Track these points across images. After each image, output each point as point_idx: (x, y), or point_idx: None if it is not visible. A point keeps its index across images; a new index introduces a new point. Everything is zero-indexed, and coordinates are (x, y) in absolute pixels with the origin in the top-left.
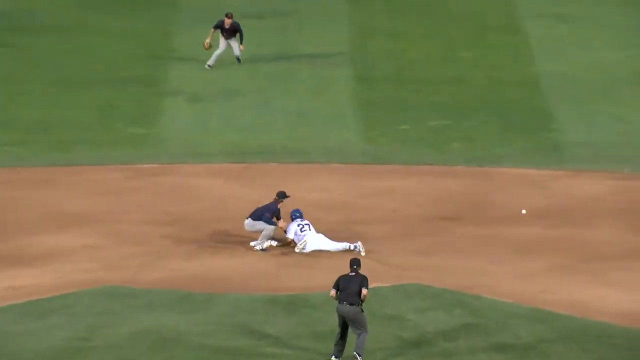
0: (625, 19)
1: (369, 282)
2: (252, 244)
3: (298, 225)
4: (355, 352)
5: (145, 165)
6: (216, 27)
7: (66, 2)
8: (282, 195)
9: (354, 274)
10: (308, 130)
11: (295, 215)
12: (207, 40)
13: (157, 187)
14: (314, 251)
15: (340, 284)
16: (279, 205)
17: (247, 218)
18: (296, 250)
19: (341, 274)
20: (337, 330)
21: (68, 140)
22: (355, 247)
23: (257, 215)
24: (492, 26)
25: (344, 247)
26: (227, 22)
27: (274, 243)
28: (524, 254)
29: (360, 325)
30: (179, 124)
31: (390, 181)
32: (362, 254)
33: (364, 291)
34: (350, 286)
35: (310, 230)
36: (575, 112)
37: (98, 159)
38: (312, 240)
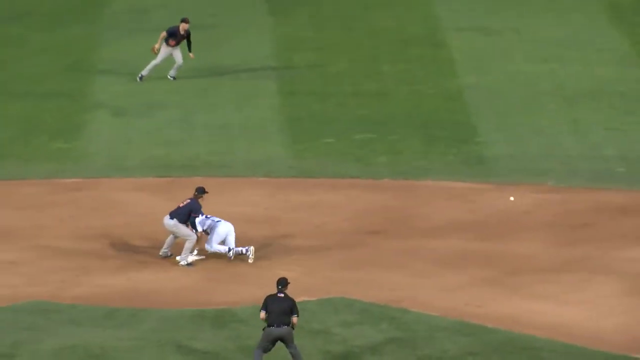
0: (546, 31)
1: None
2: (177, 258)
3: (206, 217)
4: None
5: (68, 180)
6: (169, 32)
7: None
8: (201, 191)
9: (282, 295)
10: (232, 144)
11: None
12: (157, 46)
13: (81, 201)
14: (237, 264)
15: (269, 306)
16: (200, 202)
17: (167, 215)
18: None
19: (268, 294)
20: (259, 351)
21: None
22: (247, 250)
23: (181, 216)
24: (414, 40)
25: (239, 250)
26: (184, 28)
27: (199, 257)
28: (449, 267)
29: (292, 342)
30: (102, 138)
31: (315, 195)
32: (250, 260)
33: (294, 319)
34: (280, 308)
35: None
36: (499, 125)
37: (20, 173)
38: (224, 227)
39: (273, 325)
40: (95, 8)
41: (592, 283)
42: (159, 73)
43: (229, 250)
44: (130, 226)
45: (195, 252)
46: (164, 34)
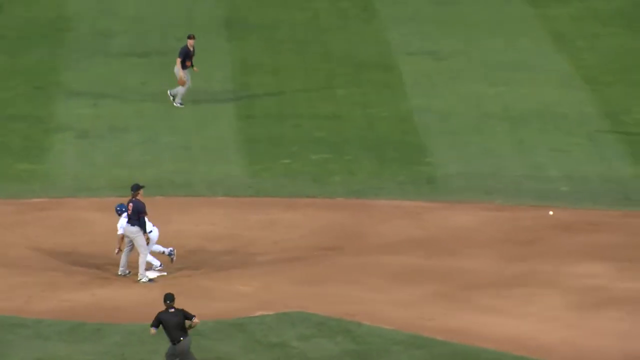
0: (494, 55)
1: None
2: (139, 278)
3: (125, 219)
4: None
5: (34, 200)
6: (182, 54)
7: None
8: (136, 188)
9: (172, 310)
10: (193, 165)
11: (122, 210)
12: (181, 74)
13: (46, 220)
14: (199, 279)
15: (163, 322)
16: (140, 198)
17: (125, 223)
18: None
19: (160, 311)
20: None
21: None
22: (170, 252)
23: (133, 220)
24: (366, 64)
25: (162, 250)
26: (191, 44)
27: (161, 274)
28: (402, 282)
29: (189, 354)
30: (67, 160)
31: (273, 214)
32: (172, 261)
33: (195, 320)
34: (174, 322)
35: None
36: (448, 146)
37: None
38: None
39: (174, 342)
40: (59, 32)
41: (538, 297)
42: (120, 96)
43: (170, 252)
44: (95, 244)
45: (159, 266)
46: (179, 60)
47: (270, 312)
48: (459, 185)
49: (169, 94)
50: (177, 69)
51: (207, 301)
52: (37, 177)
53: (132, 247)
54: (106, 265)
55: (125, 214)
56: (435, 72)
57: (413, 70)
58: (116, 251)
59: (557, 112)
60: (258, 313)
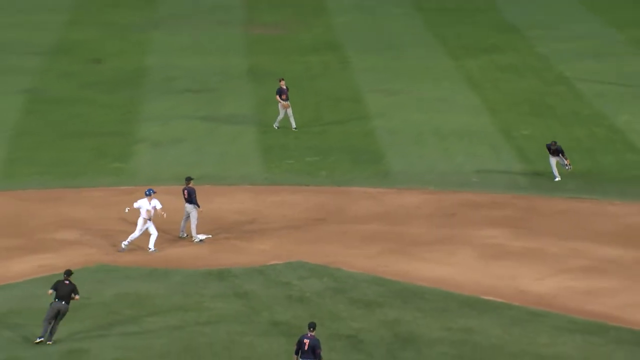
0: (426, 92)
1: None
2: (193, 239)
3: (144, 200)
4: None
5: (123, 187)
6: (278, 92)
7: (70, 82)
8: (189, 179)
9: (67, 282)
10: (227, 165)
11: (149, 192)
12: (285, 103)
13: (131, 201)
14: (231, 240)
15: (58, 288)
16: (190, 185)
17: (186, 203)
18: (195, 240)
19: (56, 281)
20: (46, 319)
21: (72, 172)
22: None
23: (190, 200)
24: (342, 98)
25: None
26: (283, 84)
27: (207, 236)
28: (367, 242)
29: (63, 315)
30: (144, 161)
31: (282, 196)
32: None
33: (76, 297)
34: (64, 290)
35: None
36: (398, 152)
37: (93, 183)
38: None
39: (56, 301)
40: (139, 77)
41: (457, 251)
42: (181, 118)
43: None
44: (163, 216)
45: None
46: (277, 97)
47: (280, 262)
48: (405, 178)
49: (274, 125)
50: (279, 101)
51: (237, 255)
52: (125, 172)
53: (188, 217)
54: (170, 230)
55: (147, 197)
56: (388, 103)
57: (374, 102)
58: (126, 210)
59: (470, 130)
60: (272, 262)
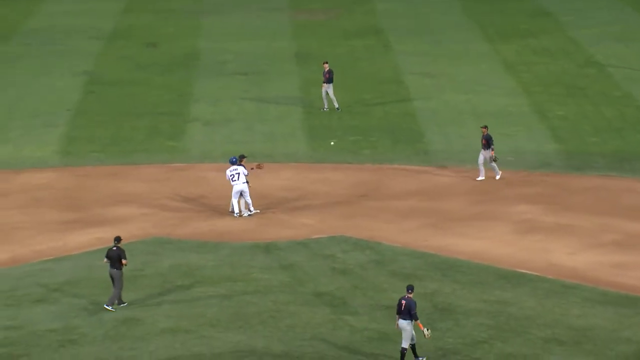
0: (466, 74)
1: None
2: (243, 214)
3: (229, 172)
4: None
5: (176, 164)
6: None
7: (126, 65)
8: (242, 157)
9: (115, 248)
10: (275, 143)
11: (231, 161)
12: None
13: (183, 177)
14: (277, 215)
15: (108, 255)
16: (242, 163)
17: (239, 182)
18: (245, 215)
19: (107, 248)
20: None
21: (128, 150)
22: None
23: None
24: (385, 79)
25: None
26: (325, 68)
27: (256, 211)
28: (406, 217)
29: (117, 282)
30: (196, 139)
31: (325, 174)
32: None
33: (124, 261)
34: (113, 256)
35: (238, 180)
36: (437, 132)
37: (147, 160)
38: (236, 189)
39: (111, 268)
40: (192, 60)
41: (492, 226)
42: (231, 100)
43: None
44: (214, 193)
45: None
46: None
47: (324, 236)
48: (443, 156)
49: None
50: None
51: (284, 229)
52: (178, 150)
53: (240, 195)
54: (221, 205)
55: (232, 167)
56: (428, 85)
57: (414, 84)
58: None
59: (506, 111)
60: (316, 236)
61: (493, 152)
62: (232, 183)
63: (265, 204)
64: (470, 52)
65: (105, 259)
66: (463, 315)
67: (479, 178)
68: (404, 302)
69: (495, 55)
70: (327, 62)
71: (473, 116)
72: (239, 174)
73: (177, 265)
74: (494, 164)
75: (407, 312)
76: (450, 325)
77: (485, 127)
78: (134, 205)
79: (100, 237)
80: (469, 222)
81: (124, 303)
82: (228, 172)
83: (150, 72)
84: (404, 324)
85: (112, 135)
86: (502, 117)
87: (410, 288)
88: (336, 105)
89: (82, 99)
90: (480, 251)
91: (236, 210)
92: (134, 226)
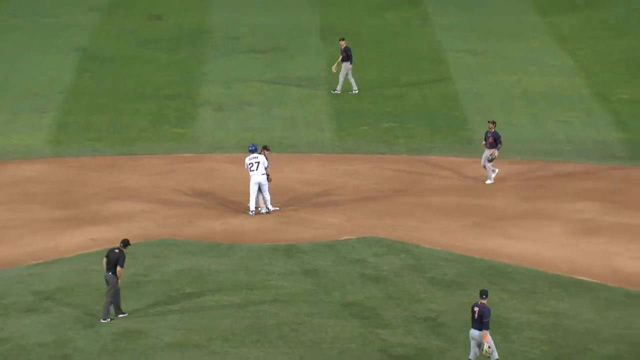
0: (514, 52)
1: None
2: (260, 210)
3: (248, 160)
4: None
5: (184, 155)
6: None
7: (127, 40)
8: (265, 147)
9: (117, 250)
10: (297, 131)
11: (250, 149)
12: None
13: (191, 170)
14: (299, 213)
15: (107, 255)
16: (264, 153)
17: (257, 173)
18: (262, 211)
19: (109, 249)
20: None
21: (129, 138)
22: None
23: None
24: (423, 57)
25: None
26: (341, 45)
27: (275, 208)
28: (447, 216)
29: (111, 289)
30: (207, 126)
31: (354, 165)
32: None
33: (119, 268)
34: (110, 258)
35: (257, 170)
36: (482, 118)
37: (150, 150)
38: (254, 180)
39: (106, 272)
40: (203, 35)
41: (545, 226)
42: (247, 80)
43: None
44: (226, 187)
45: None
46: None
47: (353, 237)
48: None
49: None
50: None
51: (307, 229)
52: (186, 138)
53: (259, 189)
54: (234, 202)
55: (250, 155)
56: (473, 64)
57: (457, 63)
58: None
59: (561, 94)
60: (344, 237)
61: (496, 151)
62: (250, 173)
63: (286, 200)
64: (521, 26)
65: (105, 259)
66: (513, 329)
67: (488, 182)
68: (476, 309)
69: (549, 29)
70: (343, 39)
71: (523, 100)
72: (258, 162)
73: (184, 270)
74: (489, 165)
75: (480, 320)
76: (498, 340)
77: (494, 122)
78: (135, 201)
79: (96, 237)
80: (519, 222)
81: (124, 313)
82: (247, 160)
83: (155, 49)
84: (476, 334)
85: (110, 121)
86: (557, 100)
87: (484, 293)
88: (354, 88)
89: (77, 80)
90: (532, 255)
91: (252, 207)
92: (134, 225)
